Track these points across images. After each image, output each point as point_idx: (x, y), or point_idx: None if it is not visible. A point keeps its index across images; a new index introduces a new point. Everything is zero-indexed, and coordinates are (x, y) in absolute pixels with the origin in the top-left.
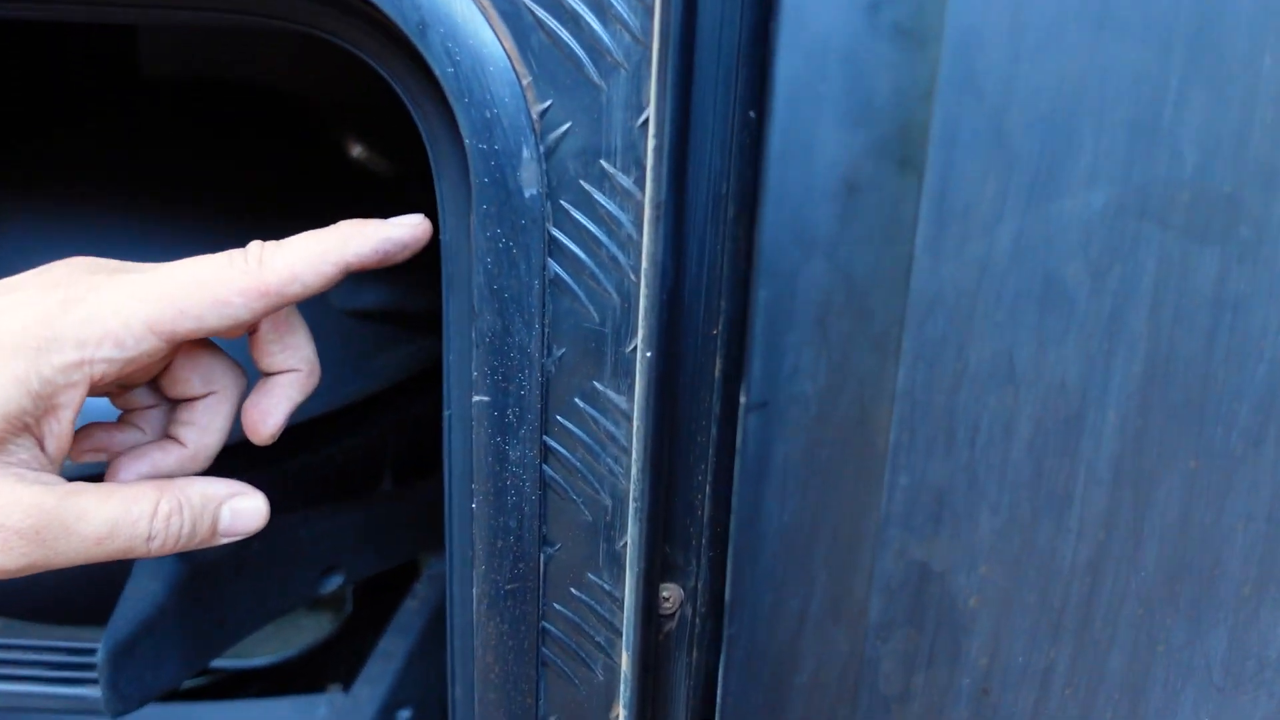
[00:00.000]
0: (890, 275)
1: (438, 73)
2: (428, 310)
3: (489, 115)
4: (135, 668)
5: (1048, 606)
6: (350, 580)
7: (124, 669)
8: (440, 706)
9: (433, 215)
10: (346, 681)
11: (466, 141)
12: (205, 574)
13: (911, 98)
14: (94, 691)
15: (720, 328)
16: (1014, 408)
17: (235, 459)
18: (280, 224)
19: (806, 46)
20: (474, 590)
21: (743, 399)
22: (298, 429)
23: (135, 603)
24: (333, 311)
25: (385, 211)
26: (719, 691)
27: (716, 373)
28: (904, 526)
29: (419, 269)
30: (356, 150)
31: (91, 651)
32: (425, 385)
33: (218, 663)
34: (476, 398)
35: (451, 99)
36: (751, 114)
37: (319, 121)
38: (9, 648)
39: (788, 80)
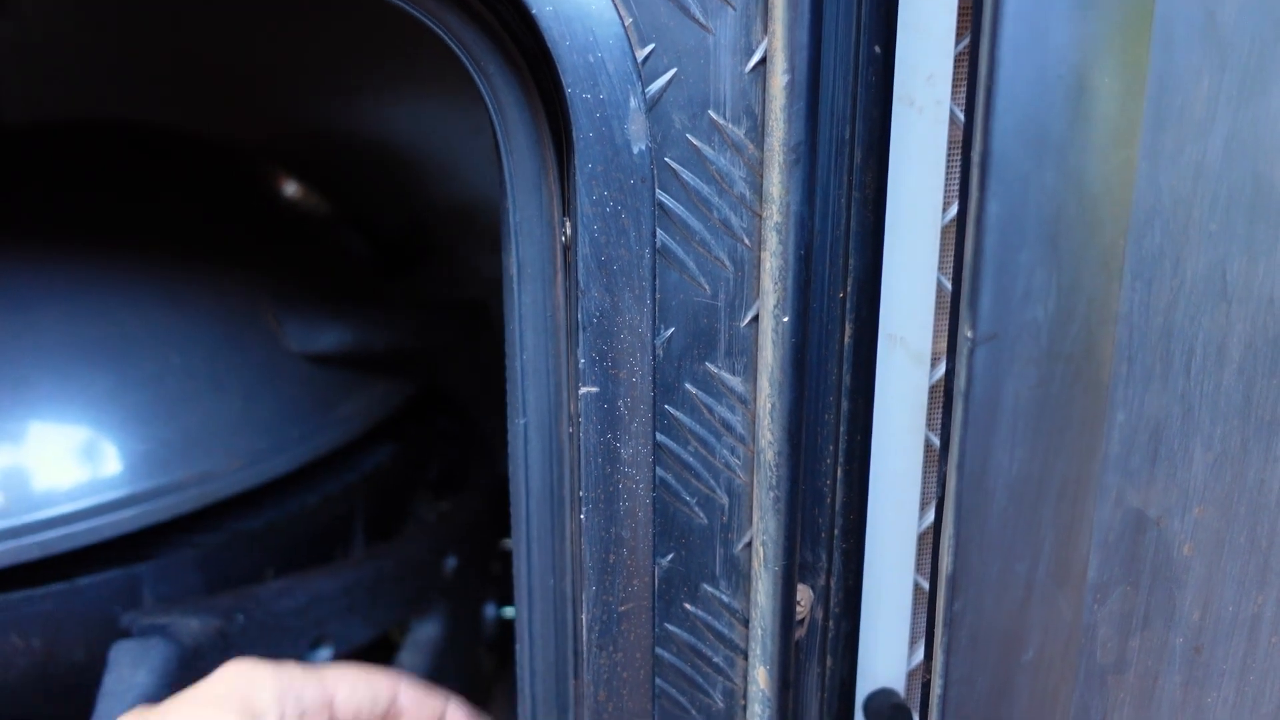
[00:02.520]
0: (1116, 183)
1: (535, 11)
2: (390, 349)
3: (592, 60)
4: None
5: (1256, 547)
6: (341, 650)
7: None
8: None
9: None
10: None
11: (569, 91)
12: (192, 657)
13: None
14: None
15: (849, 290)
16: (1226, 327)
17: (194, 523)
18: (215, 267)
19: None
20: (583, 616)
21: (969, 334)
22: (261, 491)
23: (120, 697)
24: (290, 356)
25: (318, 258)
26: (937, 683)
27: (846, 339)
28: (1122, 470)
29: (376, 296)
30: (290, 190)
31: None
32: (386, 436)
33: None
34: (584, 389)
35: (551, 42)
36: (878, 49)
37: (245, 163)
38: None
39: None
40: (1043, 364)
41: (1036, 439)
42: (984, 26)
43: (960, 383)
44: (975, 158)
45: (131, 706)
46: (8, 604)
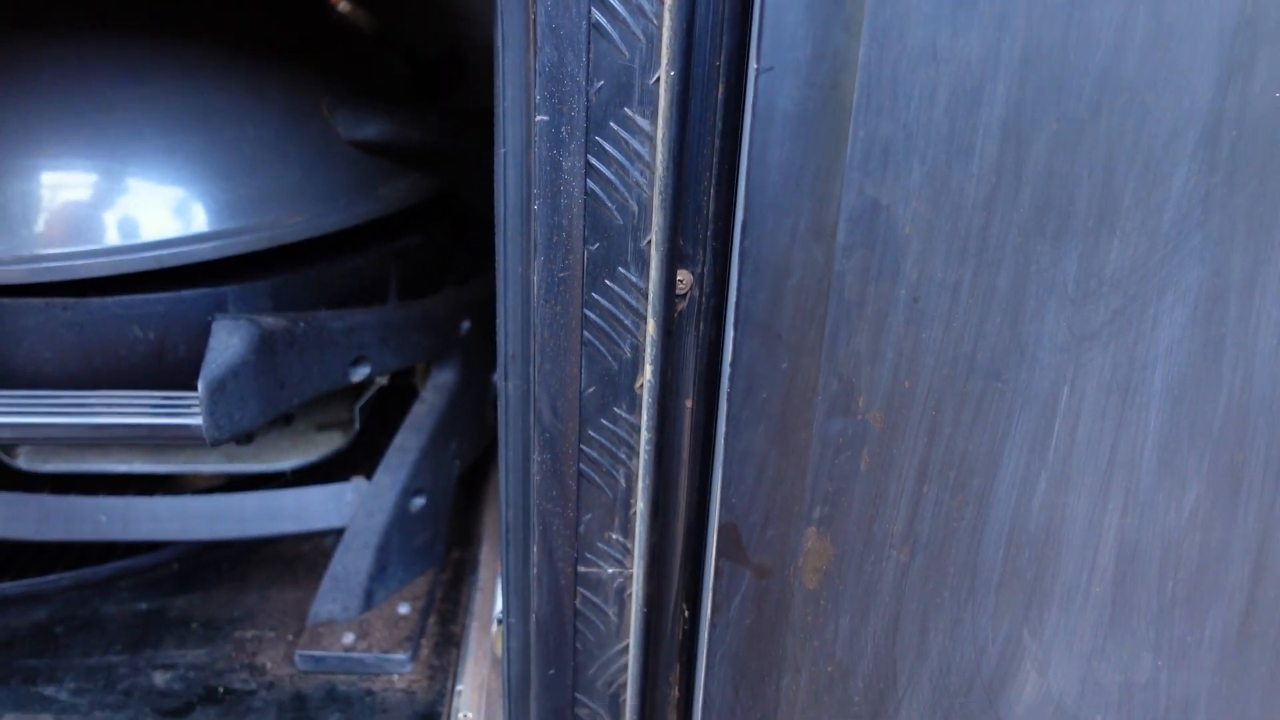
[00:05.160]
0: None
1: None
2: (422, 144)
3: None
4: (226, 404)
5: (958, 234)
6: (375, 371)
7: (219, 402)
8: (447, 498)
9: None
10: (368, 473)
11: None
12: (268, 340)
13: None
14: (193, 420)
15: (723, 59)
16: (936, 80)
17: (267, 261)
18: (281, 61)
19: None
20: (534, 278)
21: (754, 66)
22: (318, 241)
23: (221, 352)
24: (340, 141)
25: (365, 65)
26: (733, 295)
27: (720, 95)
28: (862, 170)
29: (412, 103)
30: (343, 6)
31: (182, 399)
32: (417, 221)
33: (249, 466)
34: (539, 118)
35: None
36: None
37: None
38: (110, 396)
39: None
40: (803, 89)
41: (798, 141)
42: None
43: (749, 100)
44: None
45: (230, 362)
46: (132, 303)
